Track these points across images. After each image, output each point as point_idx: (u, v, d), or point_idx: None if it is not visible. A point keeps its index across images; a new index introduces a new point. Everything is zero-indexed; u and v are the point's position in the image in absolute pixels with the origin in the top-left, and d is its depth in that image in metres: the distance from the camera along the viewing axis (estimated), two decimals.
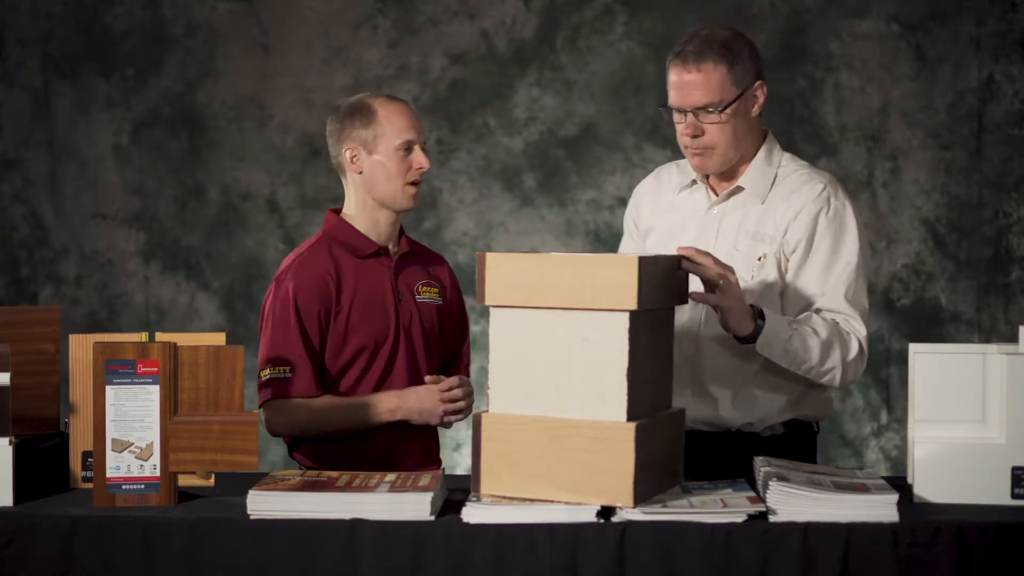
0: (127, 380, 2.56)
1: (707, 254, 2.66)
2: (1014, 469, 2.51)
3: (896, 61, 5.12)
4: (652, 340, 2.50)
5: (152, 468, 2.57)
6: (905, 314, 5.14)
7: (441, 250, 5.27)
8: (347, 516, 2.40)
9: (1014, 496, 2.50)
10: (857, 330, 2.86)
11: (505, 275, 2.44)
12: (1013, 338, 2.71)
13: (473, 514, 2.39)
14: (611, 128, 5.19)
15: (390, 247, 3.12)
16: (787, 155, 3.01)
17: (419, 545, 2.37)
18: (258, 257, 5.30)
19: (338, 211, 3.15)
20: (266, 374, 2.99)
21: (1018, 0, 5.06)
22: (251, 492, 2.45)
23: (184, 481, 2.63)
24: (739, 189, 2.95)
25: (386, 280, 3.09)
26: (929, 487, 2.52)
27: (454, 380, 3.05)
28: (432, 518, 2.41)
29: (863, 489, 2.43)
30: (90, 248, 5.36)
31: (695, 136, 2.87)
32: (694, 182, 3.00)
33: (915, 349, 2.60)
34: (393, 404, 3.02)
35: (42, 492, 2.64)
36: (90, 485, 2.63)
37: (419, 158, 3.07)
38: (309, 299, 3.01)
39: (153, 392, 2.57)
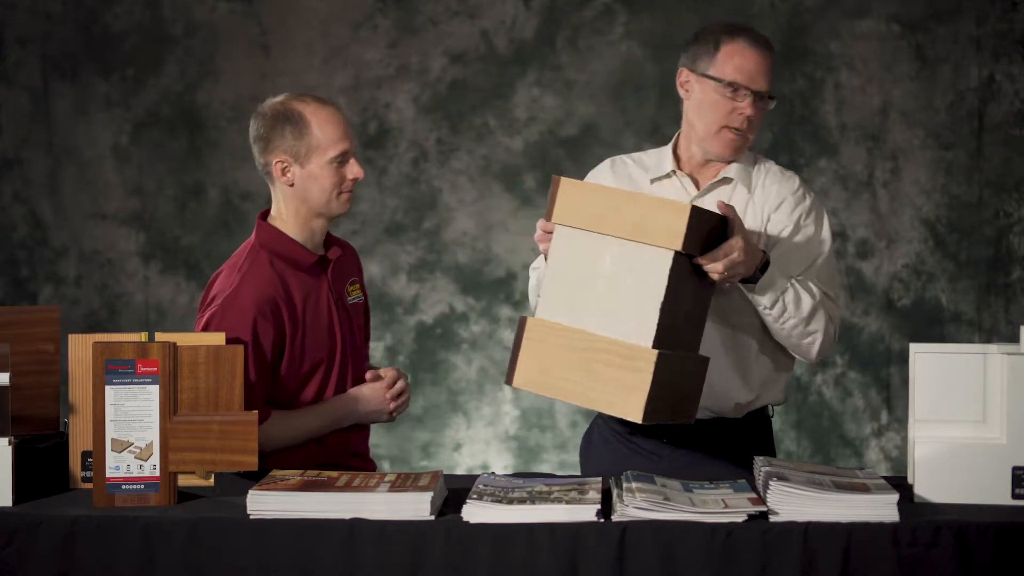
0: (127, 380, 2.56)
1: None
2: (1014, 469, 2.50)
3: (896, 61, 5.12)
4: (689, 288, 2.65)
5: (152, 468, 2.56)
6: (905, 314, 5.14)
7: (441, 250, 5.29)
8: (347, 516, 2.40)
9: (1014, 496, 2.50)
10: (836, 310, 2.93)
11: (573, 199, 2.64)
12: (1014, 338, 2.72)
13: (473, 514, 2.39)
14: (611, 128, 5.18)
15: (328, 255, 3.02)
16: (754, 152, 3.08)
17: (419, 545, 2.37)
18: None
19: (266, 214, 3.02)
20: None
21: (1018, 0, 5.06)
22: (251, 492, 2.45)
23: (184, 481, 2.62)
24: (725, 180, 2.99)
25: (325, 291, 2.99)
26: (929, 487, 2.52)
27: (393, 373, 3.01)
28: (432, 518, 2.41)
29: (863, 489, 2.43)
30: (90, 248, 5.35)
31: (750, 118, 2.91)
32: (673, 172, 3.02)
33: (915, 349, 2.60)
34: (343, 412, 2.96)
35: (42, 492, 2.64)
36: (90, 485, 2.62)
37: (353, 168, 2.93)
38: (266, 327, 2.86)
39: (153, 392, 2.57)
